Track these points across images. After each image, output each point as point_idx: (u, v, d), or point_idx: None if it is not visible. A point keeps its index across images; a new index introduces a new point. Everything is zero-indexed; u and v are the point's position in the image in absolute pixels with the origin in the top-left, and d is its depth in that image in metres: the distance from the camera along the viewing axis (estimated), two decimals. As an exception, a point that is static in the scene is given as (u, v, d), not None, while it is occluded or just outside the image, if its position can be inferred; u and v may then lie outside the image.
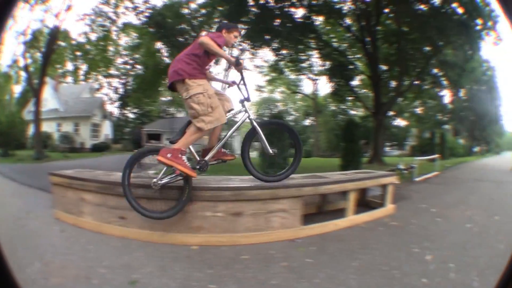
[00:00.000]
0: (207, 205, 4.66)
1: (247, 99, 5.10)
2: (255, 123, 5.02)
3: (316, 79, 28.47)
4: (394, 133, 40.41)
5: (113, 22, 24.02)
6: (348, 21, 22.44)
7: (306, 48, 22.34)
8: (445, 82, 27.87)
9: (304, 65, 24.15)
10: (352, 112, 32.27)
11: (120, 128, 27.74)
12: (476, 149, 47.62)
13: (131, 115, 29.31)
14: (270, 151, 5.02)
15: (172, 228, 4.67)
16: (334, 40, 24.31)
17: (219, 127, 5.03)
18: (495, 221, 6.54)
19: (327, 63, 23.61)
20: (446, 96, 34.97)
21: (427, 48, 22.16)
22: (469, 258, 4.38)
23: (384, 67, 23.14)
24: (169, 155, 4.41)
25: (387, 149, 39.51)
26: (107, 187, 5.07)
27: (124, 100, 27.46)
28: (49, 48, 18.51)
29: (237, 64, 4.67)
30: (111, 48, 26.20)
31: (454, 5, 18.97)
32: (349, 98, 26.27)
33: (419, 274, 3.81)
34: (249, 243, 4.61)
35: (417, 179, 12.79)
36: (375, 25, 20.64)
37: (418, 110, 35.70)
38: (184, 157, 4.50)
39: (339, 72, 23.04)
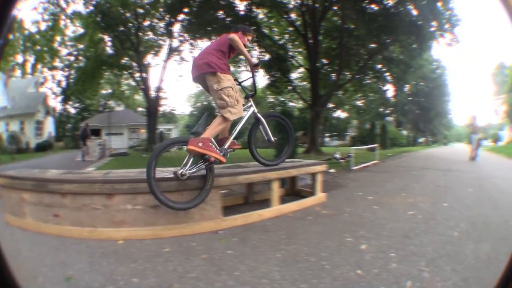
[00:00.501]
0: (127, 198, 4.52)
1: (253, 95, 5.72)
2: (259, 115, 5.68)
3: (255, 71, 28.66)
4: (334, 124, 41.38)
5: (63, 10, 23.60)
6: (292, 15, 22.69)
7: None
8: (389, 78, 28.75)
9: (242, 57, 24.03)
10: (292, 104, 32.91)
11: (63, 124, 27.07)
12: (421, 140, 49.52)
13: (72, 110, 28.79)
14: (272, 139, 5.79)
15: (99, 223, 4.51)
16: (276, 33, 24.63)
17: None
18: (444, 208, 6.40)
19: (266, 55, 23.61)
20: (390, 90, 36.18)
21: (372, 45, 22.58)
22: (414, 246, 4.18)
23: (324, 61, 23.64)
24: (200, 144, 4.61)
25: (327, 139, 40.54)
26: (42, 184, 4.83)
27: (66, 94, 26.76)
28: (5, 39, 17.42)
29: (256, 65, 5.42)
30: (58, 38, 25.67)
31: (410, 7, 19.59)
32: (286, 90, 26.58)
33: (352, 265, 3.58)
34: (171, 235, 4.48)
35: (355, 167, 12.69)
36: (320, 20, 20.81)
37: (359, 103, 36.58)
38: (214, 145, 4.88)
39: (277, 64, 23.12)
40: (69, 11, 23.45)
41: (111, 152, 19.53)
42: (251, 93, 5.72)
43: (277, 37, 24.54)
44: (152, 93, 24.77)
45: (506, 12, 1.73)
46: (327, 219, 5.63)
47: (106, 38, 24.06)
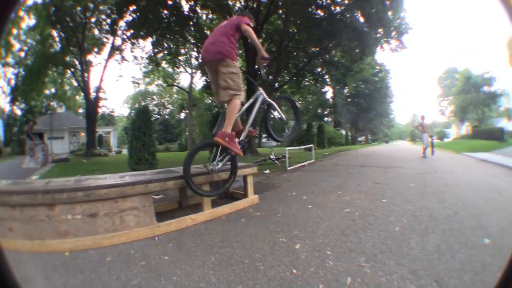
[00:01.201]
0: (66, 207, 4.42)
1: (262, 84, 6.25)
2: (270, 100, 6.01)
3: (193, 73, 28.26)
4: (272, 124, 41.68)
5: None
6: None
7: (186, 41, 22.12)
8: (328, 80, 29.46)
9: (182, 58, 23.86)
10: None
11: (10, 128, 25.66)
12: (361, 138, 50.90)
13: (19, 112, 27.20)
14: (284, 118, 6.21)
15: (46, 235, 4.34)
16: None
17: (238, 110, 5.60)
18: (383, 204, 6.34)
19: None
20: (329, 92, 37.06)
21: (313, 49, 23.04)
22: (351, 243, 4.15)
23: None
24: (227, 139, 5.24)
25: (264, 139, 40.99)
26: (-6, 197, 4.56)
27: (14, 94, 25.50)
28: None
29: (266, 58, 5.67)
30: (14, 31, 24.13)
31: (357, 14, 19.96)
32: None
33: (287, 265, 3.55)
34: (111, 244, 4.43)
35: (290, 168, 12.72)
36: (263, 23, 20.78)
37: (298, 104, 37.19)
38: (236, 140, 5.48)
39: None
40: (29, 2, 22.26)
41: (53, 158, 18.86)
42: (259, 82, 6.29)
43: None
44: (92, 94, 24.27)
45: (506, 12, 1.75)
46: (260, 220, 5.52)
47: (55, 33, 23.14)
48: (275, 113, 6.11)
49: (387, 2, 18.90)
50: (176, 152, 32.16)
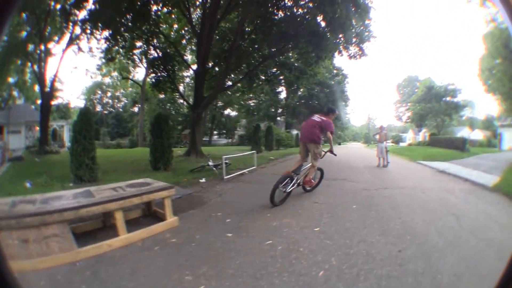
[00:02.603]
0: (8, 233, 4.44)
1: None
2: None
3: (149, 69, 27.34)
4: (223, 122, 41.43)
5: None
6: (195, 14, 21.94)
7: (141, 35, 20.84)
8: (281, 81, 29.16)
9: (137, 51, 22.76)
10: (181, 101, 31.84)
11: None
12: None
13: None
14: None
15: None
16: (171, 30, 23.64)
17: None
18: (314, 234, 5.43)
19: (155, 52, 22.40)
20: (283, 92, 36.87)
21: (268, 50, 22.31)
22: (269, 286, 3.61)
23: (212, 64, 22.89)
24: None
25: (215, 137, 40.52)
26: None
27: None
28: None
29: (331, 152, 8.91)
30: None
31: (318, 18, 19.23)
32: (169, 90, 24.89)
33: None
34: (43, 267, 4.31)
35: (228, 176, 11.66)
36: (219, 21, 20.11)
37: (251, 103, 36.78)
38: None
39: (163, 64, 21.87)
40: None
41: (9, 156, 17.62)
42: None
43: (173, 36, 23.70)
44: (48, 85, 22.66)
45: (506, 12, 1.70)
46: (173, 249, 4.96)
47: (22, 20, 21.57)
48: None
49: (353, 9, 18.34)
50: (127, 149, 30.72)
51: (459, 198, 8.90)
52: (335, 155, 8.86)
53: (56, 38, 22.72)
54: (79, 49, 23.08)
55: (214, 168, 12.59)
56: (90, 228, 5.82)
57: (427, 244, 4.95)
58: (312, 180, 8.79)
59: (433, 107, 42.68)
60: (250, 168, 13.98)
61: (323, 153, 8.70)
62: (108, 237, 5.14)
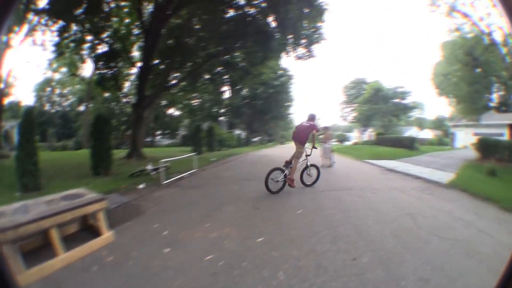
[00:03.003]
0: None
1: (309, 155, 10.24)
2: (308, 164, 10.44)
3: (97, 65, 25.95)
4: (167, 122, 40.71)
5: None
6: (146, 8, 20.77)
7: (91, 28, 19.67)
8: (226, 80, 28.41)
9: (86, 45, 21.36)
10: (127, 100, 29.88)
11: None
12: (256, 139, 51.30)
13: None
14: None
15: None
16: (122, 25, 22.24)
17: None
18: (257, 246, 4.81)
19: (103, 48, 21.22)
20: (227, 92, 36.51)
21: (214, 48, 21.67)
22: None
23: (158, 61, 21.98)
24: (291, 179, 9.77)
25: (158, 137, 39.67)
26: None
27: None
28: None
29: (314, 147, 10.25)
30: None
31: (270, 18, 18.92)
32: (113, 88, 23.65)
33: None
34: None
35: (167, 181, 10.91)
36: (169, 17, 19.31)
37: (195, 102, 36.18)
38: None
39: (108, 58, 20.88)
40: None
41: None
42: (308, 154, 10.18)
43: (123, 30, 22.29)
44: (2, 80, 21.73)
45: (506, 12, 1.66)
46: (110, 270, 4.29)
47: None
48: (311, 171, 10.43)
49: (306, 11, 18.11)
50: (72, 151, 28.95)
51: (412, 196, 8.51)
52: (316, 148, 10.30)
53: (16, 28, 21.28)
54: (34, 42, 21.98)
55: (153, 173, 11.79)
56: (38, 244, 5.10)
57: (384, 249, 4.51)
58: (293, 179, 9.65)
59: (380, 108, 43.53)
60: (191, 172, 13.29)
61: (309, 150, 10.08)
62: (50, 256, 4.53)
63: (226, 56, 23.10)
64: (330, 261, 4.11)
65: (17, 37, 21.45)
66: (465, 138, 32.19)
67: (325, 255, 4.30)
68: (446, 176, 11.69)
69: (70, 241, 4.93)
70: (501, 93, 26.06)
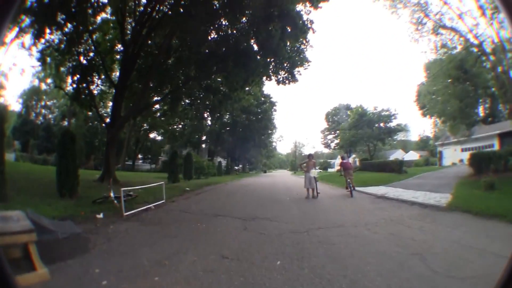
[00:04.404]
0: None
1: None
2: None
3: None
4: (148, 146, 39.84)
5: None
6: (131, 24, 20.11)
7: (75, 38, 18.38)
8: (207, 106, 28.06)
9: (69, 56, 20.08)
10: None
11: None
12: (237, 167, 50.50)
13: None
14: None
15: None
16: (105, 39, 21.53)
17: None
18: None
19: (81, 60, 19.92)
20: (208, 119, 35.89)
21: (194, 70, 20.89)
22: None
23: (135, 79, 21.11)
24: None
25: (140, 162, 38.56)
26: None
27: None
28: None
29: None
30: None
31: (252, 40, 18.51)
32: (88, 105, 21.88)
33: None
34: None
35: (129, 213, 9.68)
36: (151, 33, 18.71)
37: (176, 128, 35.48)
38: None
39: (84, 72, 19.50)
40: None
41: None
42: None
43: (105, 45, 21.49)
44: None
45: (506, 12, 1.63)
46: None
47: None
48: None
49: (289, 30, 17.71)
50: (51, 167, 26.85)
51: (413, 228, 7.32)
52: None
53: (10, 25, 19.99)
54: (22, 44, 20.27)
55: (115, 202, 10.42)
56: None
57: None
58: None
59: (365, 133, 42.92)
60: (158, 202, 11.95)
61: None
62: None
63: (206, 81, 22.37)
64: None
65: (9, 36, 20.39)
66: (453, 155, 32.56)
67: None
68: (443, 198, 11.16)
69: (15, 268, 4.26)
70: (487, 105, 26.22)
